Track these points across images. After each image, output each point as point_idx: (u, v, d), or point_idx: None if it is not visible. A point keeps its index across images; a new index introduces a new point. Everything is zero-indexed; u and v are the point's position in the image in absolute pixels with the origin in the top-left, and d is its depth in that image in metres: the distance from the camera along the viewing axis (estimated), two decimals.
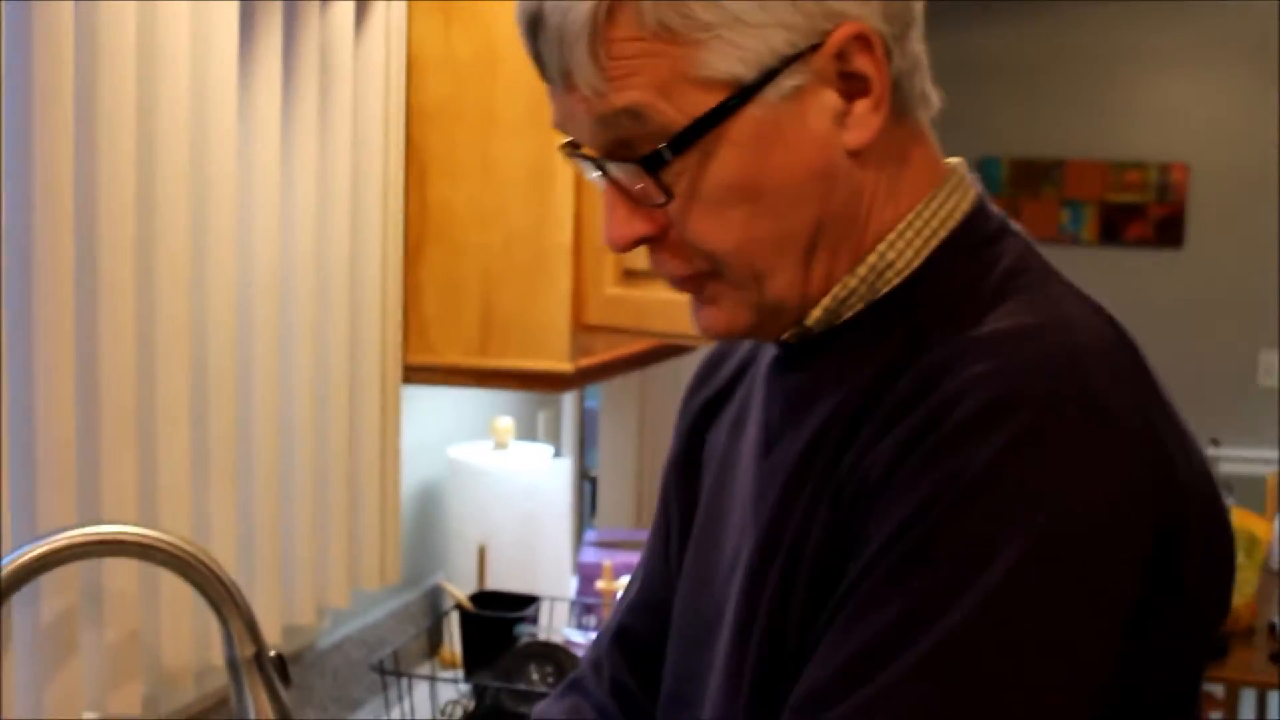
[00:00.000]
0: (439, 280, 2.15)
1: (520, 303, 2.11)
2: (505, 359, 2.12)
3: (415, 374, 2.17)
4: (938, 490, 0.90)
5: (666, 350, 2.54)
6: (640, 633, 1.32)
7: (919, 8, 1.03)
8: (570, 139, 1.04)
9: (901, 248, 1.04)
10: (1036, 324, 0.96)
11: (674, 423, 1.32)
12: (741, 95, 0.96)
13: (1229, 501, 3.55)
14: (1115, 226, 6.33)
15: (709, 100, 0.96)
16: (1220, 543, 0.99)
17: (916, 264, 1.04)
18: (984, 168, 6.40)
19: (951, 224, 1.05)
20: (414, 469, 2.47)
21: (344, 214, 1.97)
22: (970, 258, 1.04)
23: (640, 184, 1.00)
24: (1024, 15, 6.32)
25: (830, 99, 0.98)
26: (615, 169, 1.01)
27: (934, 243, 1.04)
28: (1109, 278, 6.26)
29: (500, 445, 2.56)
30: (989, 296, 1.00)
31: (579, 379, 2.14)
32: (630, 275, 2.08)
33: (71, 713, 1.49)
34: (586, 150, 1.03)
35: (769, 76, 0.96)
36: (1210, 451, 5.55)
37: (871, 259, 1.03)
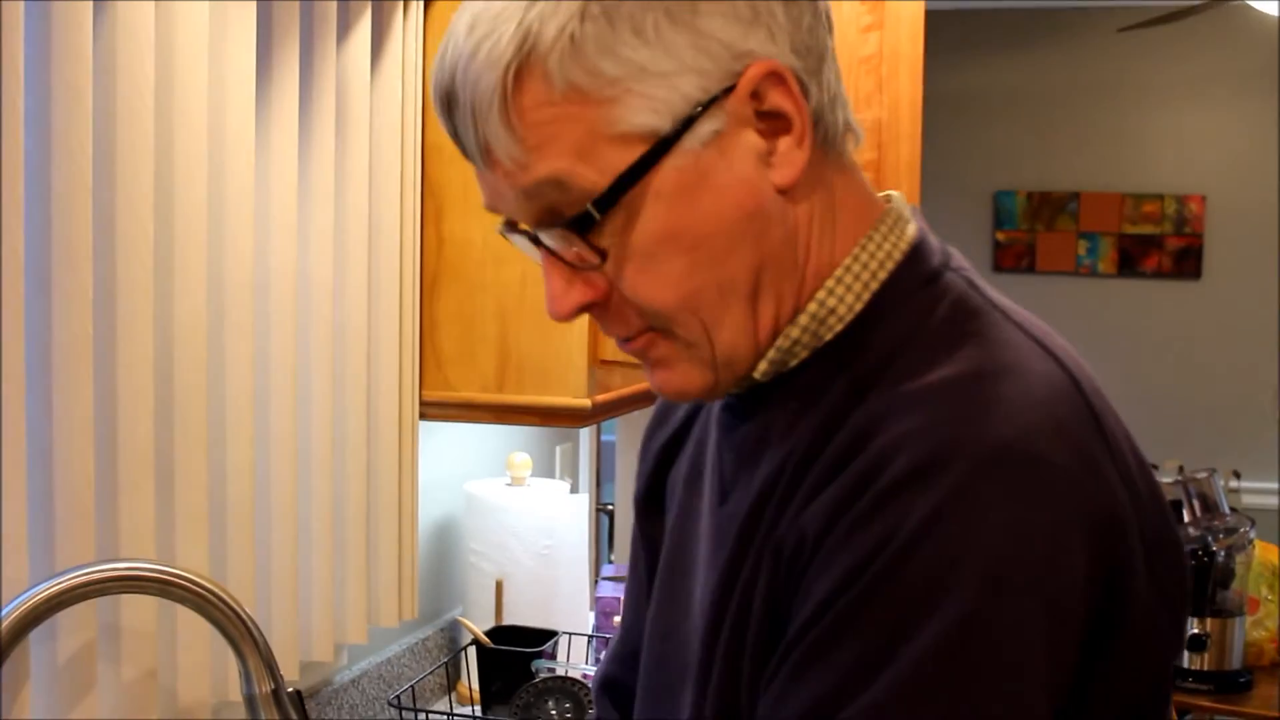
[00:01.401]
0: (456, 317, 2.15)
1: (537, 338, 2.11)
2: (522, 395, 2.12)
3: (432, 410, 2.17)
4: (871, 552, 0.90)
5: None
6: (624, 681, 1.32)
7: (831, 42, 1.02)
8: (507, 219, 1.03)
9: (841, 293, 1.02)
10: (970, 373, 0.95)
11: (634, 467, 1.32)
12: (659, 147, 0.95)
13: (1250, 535, 3.54)
14: (1133, 258, 6.32)
15: (628, 156, 0.95)
16: (1172, 588, 0.98)
17: (858, 308, 1.03)
18: (1000, 201, 6.40)
19: (891, 264, 1.04)
20: (431, 505, 2.47)
21: (361, 251, 1.98)
22: (910, 300, 1.03)
23: (573, 250, 0.99)
24: (1039, 49, 6.33)
25: (751, 140, 0.98)
26: (548, 238, 1.00)
27: (874, 285, 1.03)
28: (1127, 310, 6.26)
29: (517, 481, 2.57)
30: (930, 343, 0.99)
31: (596, 414, 2.14)
32: None
33: None
34: (523, 225, 1.02)
35: (685, 125, 0.95)
36: (1231, 484, 5.52)
37: (812, 307, 1.02)
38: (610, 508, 4.01)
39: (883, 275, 1.03)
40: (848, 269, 1.03)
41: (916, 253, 1.05)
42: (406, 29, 2.06)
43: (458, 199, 2.14)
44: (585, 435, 3.40)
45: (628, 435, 3.88)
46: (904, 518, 0.89)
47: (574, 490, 2.95)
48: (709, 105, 0.95)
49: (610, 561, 3.83)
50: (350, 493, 2.00)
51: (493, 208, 1.02)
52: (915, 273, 1.04)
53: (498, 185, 0.99)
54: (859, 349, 1.01)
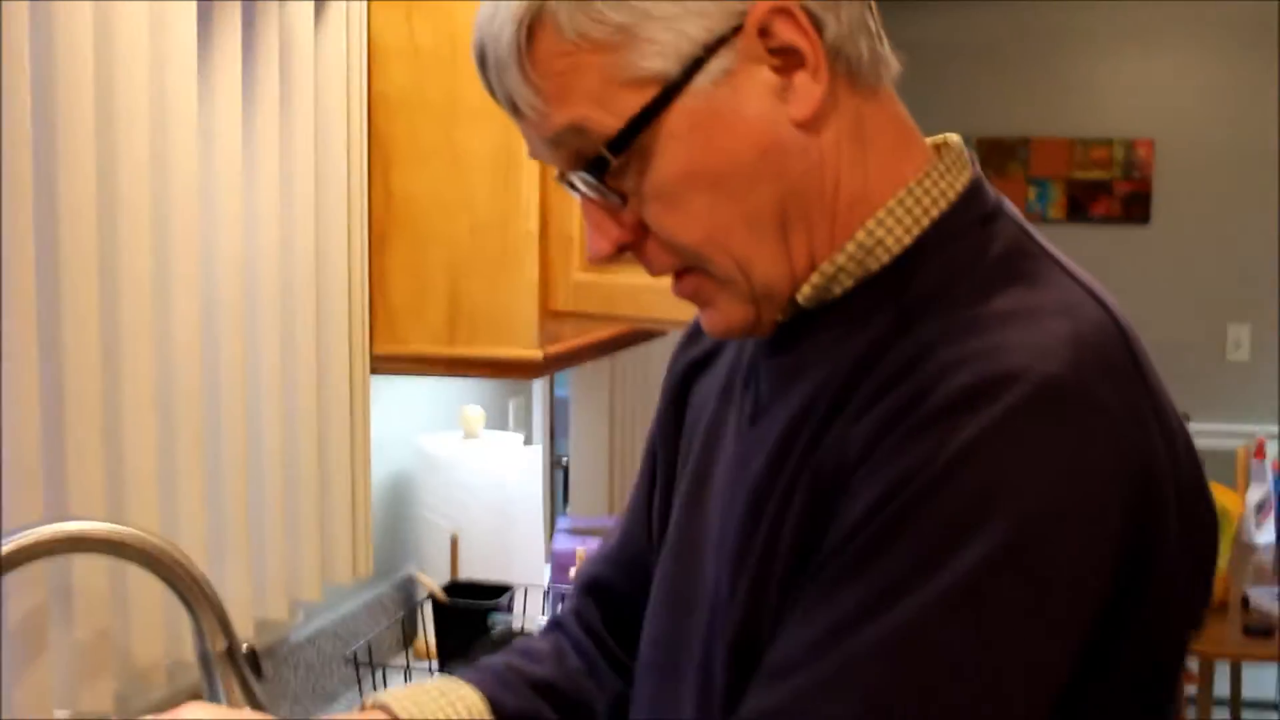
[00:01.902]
0: (405, 270, 2.14)
1: (488, 290, 2.10)
2: (474, 347, 2.11)
3: (383, 364, 2.16)
4: (915, 468, 0.90)
5: (636, 335, 2.53)
6: (614, 584, 1.34)
7: None
8: (560, 169, 1.07)
9: (891, 225, 1.03)
10: (1031, 307, 0.96)
11: (660, 383, 1.33)
12: (668, 89, 0.98)
13: None
14: (1082, 204, 6.35)
15: (640, 100, 0.98)
16: (1201, 542, 0.99)
17: (907, 241, 1.03)
18: None
19: (944, 203, 1.04)
20: (384, 460, 2.46)
21: (308, 205, 1.96)
22: (963, 237, 1.03)
23: (599, 192, 1.02)
24: None
25: (765, 76, 0.99)
26: (579, 182, 1.03)
27: (925, 221, 1.04)
28: (1077, 255, 6.19)
29: (470, 435, 2.56)
30: (983, 278, 1.00)
31: (548, 365, 2.13)
32: None
33: (43, 711, 1.48)
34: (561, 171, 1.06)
35: (694, 66, 0.98)
36: None
37: (860, 235, 1.03)
38: (565, 461, 4.01)
39: (935, 212, 1.04)
40: (900, 202, 1.04)
41: (972, 193, 1.06)
42: None
43: (405, 152, 2.12)
44: (538, 389, 3.40)
45: (581, 390, 3.88)
46: (948, 440, 0.90)
47: (528, 443, 2.95)
48: (716, 46, 0.98)
49: (565, 514, 3.84)
50: (302, 449, 1.98)
51: (535, 156, 1.07)
52: (970, 212, 1.05)
53: (530, 135, 1.04)
54: (908, 280, 1.02)
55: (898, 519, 0.91)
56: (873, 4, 1.04)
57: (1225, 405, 6.00)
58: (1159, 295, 6.20)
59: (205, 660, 1.51)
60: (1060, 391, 0.91)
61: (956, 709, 0.89)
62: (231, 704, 1.51)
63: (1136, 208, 6.30)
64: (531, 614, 2.49)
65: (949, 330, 0.96)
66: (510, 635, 2.23)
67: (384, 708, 1.21)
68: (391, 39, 2.11)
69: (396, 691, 1.25)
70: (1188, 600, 0.99)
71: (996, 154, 6.37)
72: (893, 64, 1.06)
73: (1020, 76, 6.35)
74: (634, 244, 1.05)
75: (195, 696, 1.79)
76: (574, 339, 2.22)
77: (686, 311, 1.16)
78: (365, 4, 2.08)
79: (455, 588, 2.38)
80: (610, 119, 0.99)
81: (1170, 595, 0.97)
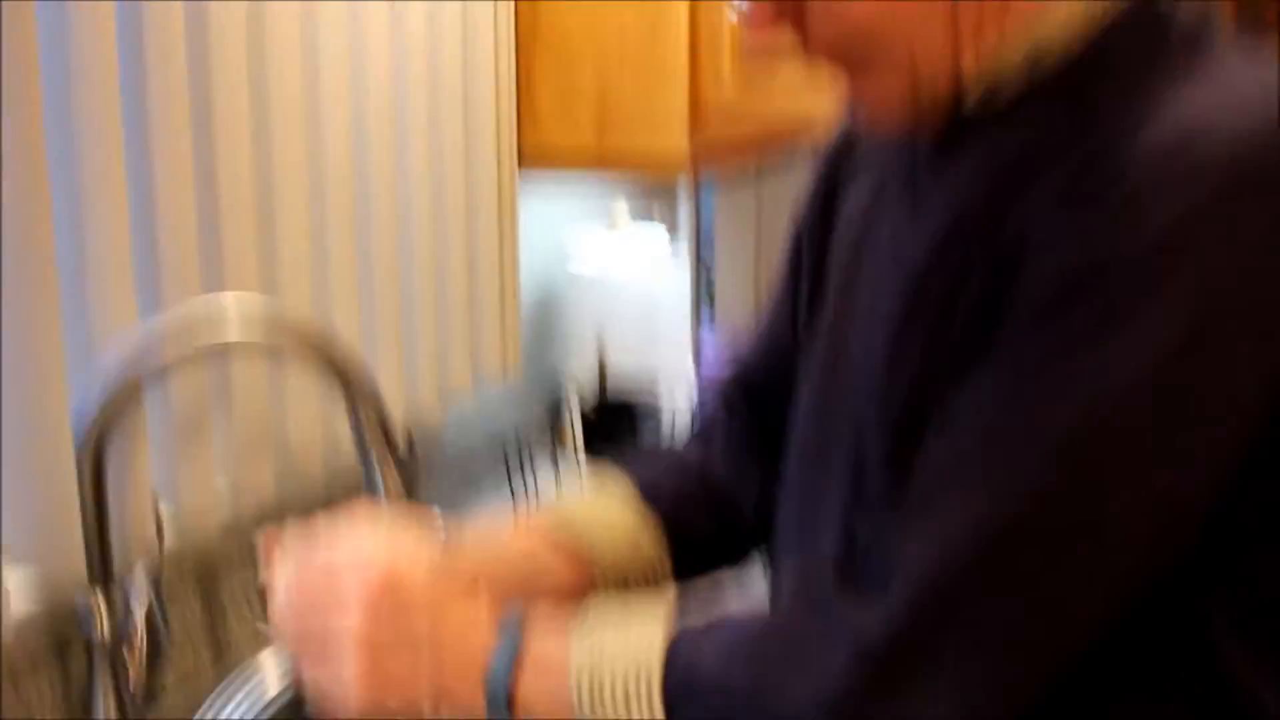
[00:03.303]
0: (553, 71, 2.14)
1: (636, 87, 2.10)
2: (621, 141, 2.11)
3: (531, 160, 2.17)
4: (1104, 245, 0.89)
5: (783, 149, 2.50)
6: (760, 384, 1.33)
7: None
8: None
9: (1064, 19, 0.99)
10: (1224, 102, 0.92)
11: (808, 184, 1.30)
12: None
13: None
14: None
15: None
16: None
17: (1081, 45, 0.99)
18: None
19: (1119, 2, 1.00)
20: (531, 261, 2.48)
21: (456, 4, 1.96)
22: (1141, 36, 0.99)
23: None
24: None
25: None
26: None
27: (1101, 21, 0.99)
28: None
29: (617, 228, 2.56)
30: (1168, 74, 0.95)
31: (696, 160, 2.12)
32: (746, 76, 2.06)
33: (206, 481, 1.55)
34: None
35: None
36: None
37: (1029, 36, 0.99)
38: (710, 271, 4.00)
39: (1109, 13, 1.00)
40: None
41: None
42: None
43: None
44: (684, 208, 3.39)
45: (726, 214, 3.86)
46: (1142, 221, 0.88)
47: (674, 239, 2.95)
48: None
49: (709, 316, 3.84)
50: (451, 243, 2.00)
51: None
52: (1145, 12, 1.00)
53: None
54: (1084, 78, 0.98)
55: (1079, 289, 0.89)
56: None
57: None
58: None
59: (361, 445, 1.54)
60: (1262, 178, 0.87)
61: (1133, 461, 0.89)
62: (388, 488, 1.54)
63: None
64: (678, 408, 2.51)
65: (1139, 122, 0.92)
66: (656, 429, 2.24)
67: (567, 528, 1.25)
68: None
69: (576, 507, 1.27)
70: None
71: None
72: None
73: None
74: (794, 22, 1.01)
75: (351, 480, 1.84)
76: (723, 133, 2.20)
77: (835, 111, 1.13)
78: None
79: (602, 382, 2.40)
80: None
81: None
